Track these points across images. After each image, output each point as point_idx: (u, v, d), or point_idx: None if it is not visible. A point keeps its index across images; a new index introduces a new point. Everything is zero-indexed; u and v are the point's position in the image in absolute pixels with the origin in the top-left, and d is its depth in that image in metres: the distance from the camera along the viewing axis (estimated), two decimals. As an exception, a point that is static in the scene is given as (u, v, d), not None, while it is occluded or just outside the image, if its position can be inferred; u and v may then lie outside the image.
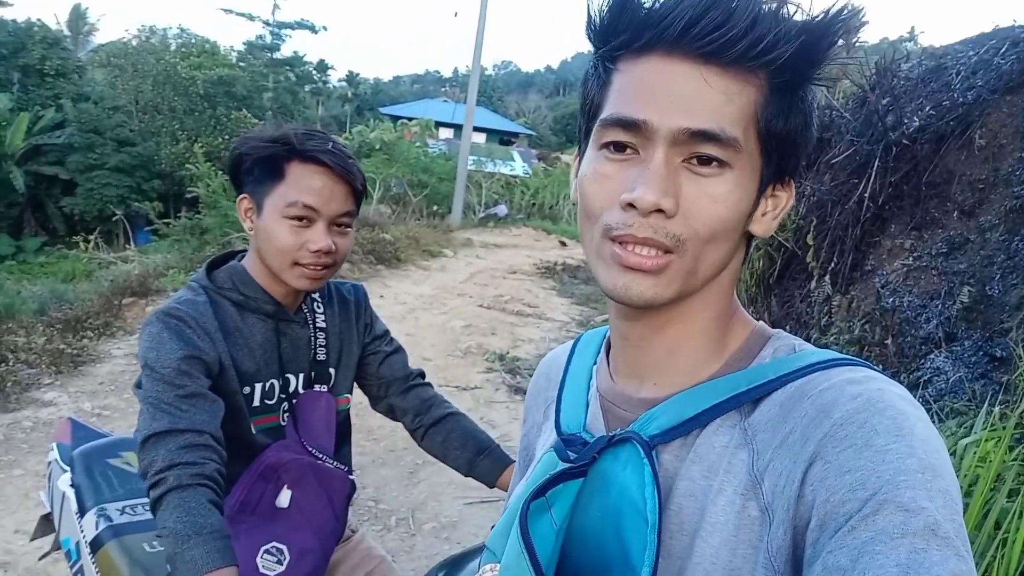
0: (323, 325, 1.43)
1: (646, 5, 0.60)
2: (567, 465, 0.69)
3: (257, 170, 1.27)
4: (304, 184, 1.25)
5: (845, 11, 0.59)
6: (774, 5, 0.58)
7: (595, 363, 0.80)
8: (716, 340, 0.68)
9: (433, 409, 1.53)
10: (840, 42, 0.60)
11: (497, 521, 0.76)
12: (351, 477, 1.46)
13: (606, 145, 0.62)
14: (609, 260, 0.62)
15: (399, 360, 1.57)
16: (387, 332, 1.59)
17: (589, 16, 0.63)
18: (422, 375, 1.60)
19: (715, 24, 0.56)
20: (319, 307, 1.44)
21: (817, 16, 0.58)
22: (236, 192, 1.34)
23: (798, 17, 0.58)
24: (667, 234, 0.59)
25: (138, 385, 1.22)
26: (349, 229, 1.33)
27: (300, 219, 1.25)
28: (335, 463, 1.41)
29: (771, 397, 0.62)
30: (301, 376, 1.39)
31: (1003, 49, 3.99)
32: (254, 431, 1.31)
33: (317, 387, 1.41)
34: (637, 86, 0.61)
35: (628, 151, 0.61)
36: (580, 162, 0.70)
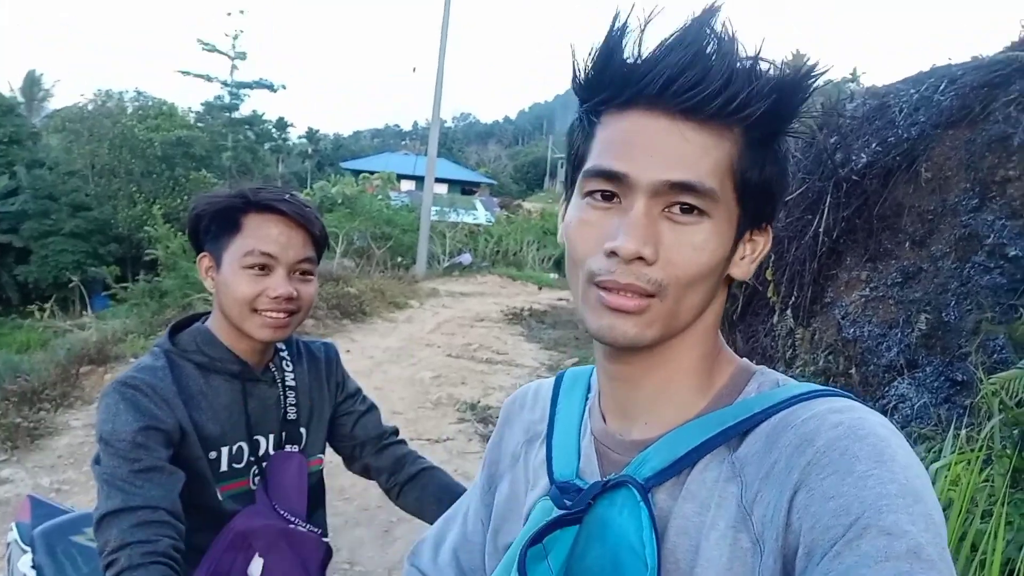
0: (292, 384, 1.40)
1: (628, 62, 0.63)
2: (563, 512, 0.69)
3: (214, 227, 1.27)
4: (261, 233, 1.25)
5: (815, 70, 0.63)
6: (748, 63, 0.61)
7: (586, 405, 0.81)
8: (703, 378, 0.70)
9: (407, 466, 1.51)
10: (806, 96, 0.64)
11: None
12: (326, 541, 1.41)
13: (590, 193, 0.65)
14: (594, 303, 0.65)
15: (372, 419, 1.55)
16: (359, 391, 1.57)
17: (575, 71, 0.66)
18: (396, 432, 1.58)
19: (692, 82, 0.60)
20: (288, 365, 1.42)
21: (788, 74, 0.62)
22: (196, 252, 1.33)
23: (771, 73, 0.62)
24: (648, 280, 0.62)
25: (96, 461, 1.18)
26: (311, 277, 1.32)
27: (259, 267, 1.24)
28: (308, 527, 1.37)
29: (757, 430, 0.63)
30: (271, 437, 1.36)
31: (942, 86, 4.19)
32: (220, 497, 1.27)
33: (288, 447, 1.38)
34: (619, 140, 0.64)
35: (614, 200, 0.64)
36: (567, 208, 0.72)
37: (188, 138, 22.41)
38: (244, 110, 27.86)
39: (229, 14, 28.23)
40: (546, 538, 0.68)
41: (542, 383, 0.91)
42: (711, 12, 0.61)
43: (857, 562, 0.49)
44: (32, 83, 31.80)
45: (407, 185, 30.17)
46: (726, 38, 0.61)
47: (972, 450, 1.99)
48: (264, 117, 29.92)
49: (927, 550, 0.49)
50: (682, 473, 0.65)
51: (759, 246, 0.70)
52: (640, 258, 0.61)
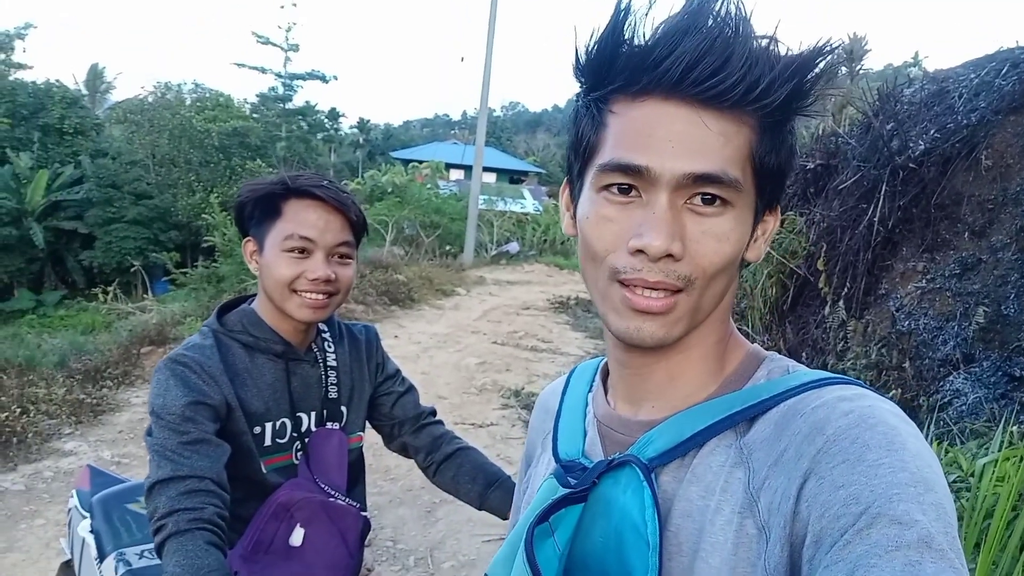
0: (334, 364, 1.45)
1: (639, 47, 0.60)
2: (568, 490, 0.69)
3: (257, 212, 1.33)
4: (300, 218, 1.29)
5: (828, 47, 0.60)
6: (764, 46, 0.59)
7: (590, 391, 0.81)
8: (714, 363, 0.69)
9: (444, 445, 1.54)
10: (821, 76, 0.61)
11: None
12: (365, 515, 1.46)
13: (607, 187, 0.63)
14: (619, 304, 0.64)
15: (411, 400, 1.59)
16: (399, 372, 1.61)
17: (578, 56, 0.64)
18: (433, 413, 1.61)
19: (712, 70, 0.58)
20: (329, 346, 1.46)
21: (806, 56, 0.60)
22: (242, 237, 1.39)
23: (789, 56, 0.60)
24: (677, 276, 0.61)
25: (149, 433, 1.24)
26: (350, 260, 1.36)
27: (299, 250, 1.29)
28: (348, 500, 1.41)
29: (766, 416, 0.63)
30: (313, 414, 1.41)
31: (1004, 70, 4.02)
32: (264, 471, 1.32)
33: (329, 425, 1.43)
34: (636, 131, 0.61)
35: (632, 193, 0.62)
36: (569, 195, 0.72)
37: (244, 129, 22.93)
38: (297, 101, 28.33)
39: (282, 7, 28.69)
40: (552, 516, 0.68)
41: (552, 384, 0.92)
42: None
43: (867, 551, 0.49)
44: (95, 76, 32.91)
45: (456, 174, 30.33)
46: (742, 20, 0.59)
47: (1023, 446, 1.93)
48: (317, 108, 30.35)
49: (938, 540, 0.49)
50: (688, 456, 0.65)
51: (769, 226, 0.69)
52: (669, 255, 0.60)
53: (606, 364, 0.79)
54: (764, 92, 0.59)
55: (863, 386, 0.62)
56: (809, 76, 0.60)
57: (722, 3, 0.59)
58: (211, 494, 1.16)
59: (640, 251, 0.60)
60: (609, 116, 0.63)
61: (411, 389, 1.61)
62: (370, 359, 1.54)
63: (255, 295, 1.43)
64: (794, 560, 0.55)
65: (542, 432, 0.88)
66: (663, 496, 0.64)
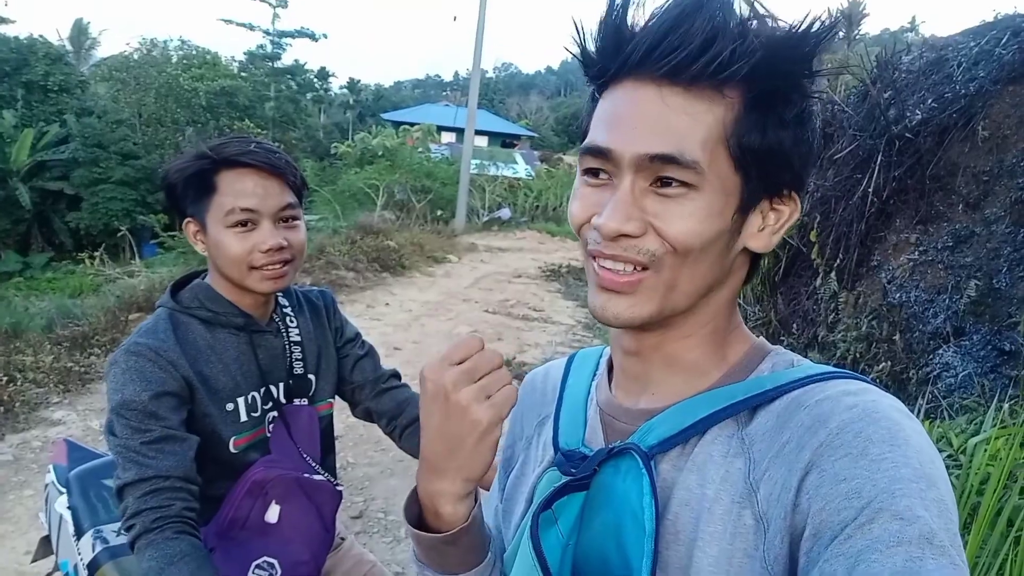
0: (297, 338, 1.42)
1: (622, 33, 0.61)
2: (569, 478, 0.69)
3: (191, 191, 1.28)
4: (236, 189, 1.25)
5: (815, 26, 0.59)
6: (736, 23, 0.58)
7: (594, 379, 0.81)
8: (714, 353, 0.69)
9: (409, 409, 1.52)
10: (815, 56, 0.60)
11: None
12: (339, 489, 1.45)
13: (586, 171, 0.65)
14: (592, 280, 0.66)
15: (370, 363, 1.56)
16: (358, 335, 1.58)
17: (578, 46, 0.66)
18: (396, 376, 1.59)
19: (672, 46, 0.58)
20: (292, 321, 1.43)
21: (782, 31, 0.59)
22: (180, 219, 1.33)
23: (762, 29, 0.59)
24: (639, 251, 0.62)
25: (111, 432, 1.20)
26: (297, 222, 1.32)
27: (243, 224, 1.25)
28: (326, 476, 1.41)
29: (768, 407, 0.62)
30: (281, 386, 1.38)
31: (1004, 39, 3.96)
32: (234, 451, 1.30)
33: (296, 401, 1.40)
34: (608, 113, 0.63)
35: (603, 175, 0.64)
36: None
37: (232, 88, 22.60)
38: (286, 60, 27.95)
39: (271, -40, 28.04)
40: (555, 504, 0.69)
41: (551, 365, 0.91)
42: None
43: (868, 546, 0.48)
44: (80, 31, 32.19)
45: (447, 137, 30.01)
46: (720, 2, 0.58)
47: (1015, 424, 1.92)
48: (306, 67, 29.93)
49: (939, 536, 0.49)
50: (688, 444, 0.65)
51: (784, 216, 0.66)
52: (625, 235, 0.61)
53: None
54: (723, 65, 0.57)
55: (867, 381, 0.62)
56: (788, 52, 0.59)
57: None
58: (177, 490, 1.16)
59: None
60: (599, 101, 0.65)
61: (371, 352, 1.59)
62: (330, 323, 1.52)
63: (205, 270, 1.39)
64: (794, 552, 0.55)
65: (535, 414, 0.87)
66: (663, 484, 0.64)
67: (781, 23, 0.59)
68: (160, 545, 1.10)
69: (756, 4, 0.60)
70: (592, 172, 0.65)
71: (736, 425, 0.63)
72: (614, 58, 0.62)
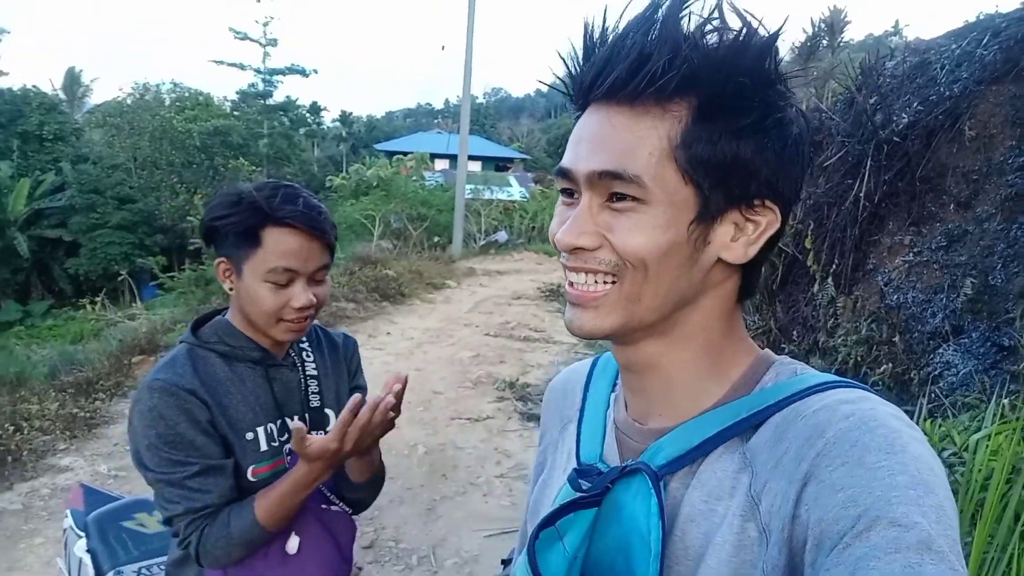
0: (313, 372, 1.45)
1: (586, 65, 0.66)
2: (578, 495, 0.70)
3: (232, 236, 1.29)
4: (281, 249, 1.26)
5: (763, 38, 0.60)
6: (674, 38, 0.59)
7: (613, 392, 0.82)
8: (712, 369, 0.69)
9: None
10: (770, 66, 0.61)
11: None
12: (354, 518, 1.47)
13: (562, 191, 0.69)
14: (568, 294, 0.69)
15: None
16: (365, 389, 1.58)
17: (560, 79, 0.69)
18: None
19: (611, 68, 0.61)
20: (308, 355, 1.46)
21: (713, 43, 0.60)
22: (216, 254, 1.35)
23: (696, 42, 0.59)
24: (598, 261, 0.64)
25: (143, 465, 1.24)
26: (326, 276, 1.35)
27: (282, 282, 1.28)
28: (341, 505, 1.43)
29: (769, 420, 0.63)
30: (296, 418, 1.41)
31: (984, 40, 4.02)
32: (252, 479, 1.32)
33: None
34: (572, 136, 0.67)
35: (575, 195, 0.67)
36: None
37: (225, 127, 22.76)
38: (278, 96, 28.19)
39: (259, 1, 28.43)
40: (560, 520, 0.69)
41: (575, 368, 0.92)
42: None
43: (867, 553, 0.49)
44: (72, 80, 32.54)
45: (441, 164, 30.19)
46: (664, 14, 0.60)
47: (1017, 418, 1.94)
48: (298, 103, 30.22)
49: (938, 542, 0.49)
50: (695, 463, 0.65)
51: (761, 226, 0.64)
52: (580, 248, 0.64)
53: None
54: (653, 80, 0.59)
55: (867, 389, 0.62)
56: (723, 62, 0.59)
57: (656, 5, 0.61)
58: (222, 509, 1.27)
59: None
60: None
61: None
62: (348, 364, 1.54)
63: (227, 308, 1.42)
64: (792, 563, 0.55)
65: (558, 417, 0.89)
66: (671, 502, 0.65)
67: (727, 34, 0.60)
68: (214, 531, 1.23)
69: (711, 19, 0.60)
70: (567, 192, 0.68)
71: (739, 440, 0.64)
72: (578, 86, 0.66)
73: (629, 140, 0.62)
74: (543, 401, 0.95)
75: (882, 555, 0.48)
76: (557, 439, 0.87)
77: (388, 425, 1.27)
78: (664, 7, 0.60)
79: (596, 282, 0.65)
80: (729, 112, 0.61)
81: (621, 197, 0.63)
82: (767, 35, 0.60)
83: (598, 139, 0.63)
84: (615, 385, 0.82)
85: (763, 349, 0.72)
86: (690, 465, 0.66)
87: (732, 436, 0.64)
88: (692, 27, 0.60)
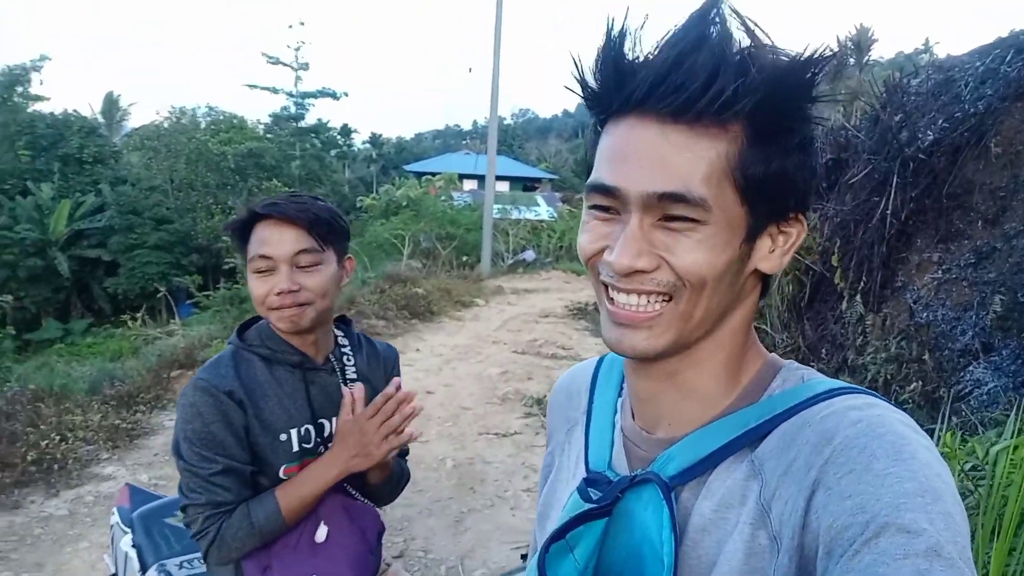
0: (353, 376, 1.52)
1: (623, 68, 0.61)
2: (589, 506, 0.70)
3: (236, 243, 1.44)
4: (259, 238, 1.39)
5: (815, 57, 0.59)
6: (737, 57, 0.58)
7: (619, 396, 0.81)
8: (727, 377, 0.69)
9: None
10: (818, 84, 0.60)
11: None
12: (380, 514, 1.54)
13: (593, 206, 0.66)
14: (605, 312, 0.66)
15: None
16: None
17: (580, 81, 0.66)
18: (406, 451, 1.68)
19: (674, 84, 0.58)
20: (349, 359, 1.54)
21: (783, 64, 0.59)
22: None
23: (763, 64, 0.58)
24: (657, 283, 0.62)
25: (178, 455, 1.36)
26: (317, 266, 1.41)
27: (264, 270, 1.38)
28: (365, 500, 1.50)
29: (777, 427, 0.64)
30: (334, 420, 1.48)
31: (1008, 57, 4.03)
32: (283, 477, 1.41)
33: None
34: (613, 150, 0.63)
35: (611, 211, 0.64)
36: None
37: (259, 149, 23.22)
38: (309, 119, 28.62)
39: (291, 26, 29.08)
40: (570, 533, 0.69)
41: (579, 368, 0.92)
42: (712, 4, 0.59)
43: (876, 559, 0.49)
44: (111, 104, 33.49)
45: (469, 184, 30.46)
46: (719, 31, 0.58)
47: (1040, 430, 1.95)
48: (329, 125, 30.67)
49: (947, 549, 0.49)
50: (705, 472, 0.66)
51: (792, 237, 0.66)
52: (639, 271, 0.62)
53: None
54: (729, 102, 0.57)
55: (874, 395, 0.63)
56: (789, 84, 0.59)
57: (705, 19, 0.59)
58: (235, 508, 1.35)
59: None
60: (602, 135, 0.66)
61: None
62: (387, 373, 1.62)
63: None
64: (804, 571, 0.55)
65: (564, 420, 0.88)
66: (681, 512, 0.65)
67: (781, 53, 0.59)
68: (232, 524, 1.32)
69: (757, 33, 0.60)
70: (600, 207, 0.65)
71: (748, 448, 0.64)
72: (616, 93, 0.62)
73: (690, 160, 0.59)
74: (549, 404, 0.95)
75: (891, 561, 0.48)
76: (564, 441, 0.87)
77: (403, 438, 1.42)
78: (717, 28, 0.59)
79: (649, 302, 0.63)
80: (783, 132, 0.61)
81: (676, 217, 0.61)
82: (815, 55, 0.59)
83: (655, 158, 0.60)
84: (621, 390, 0.81)
85: (771, 354, 0.73)
86: (700, 475, 0.66)
87: (741, 447, 0.64)
88: (744, 42, 0.59)
